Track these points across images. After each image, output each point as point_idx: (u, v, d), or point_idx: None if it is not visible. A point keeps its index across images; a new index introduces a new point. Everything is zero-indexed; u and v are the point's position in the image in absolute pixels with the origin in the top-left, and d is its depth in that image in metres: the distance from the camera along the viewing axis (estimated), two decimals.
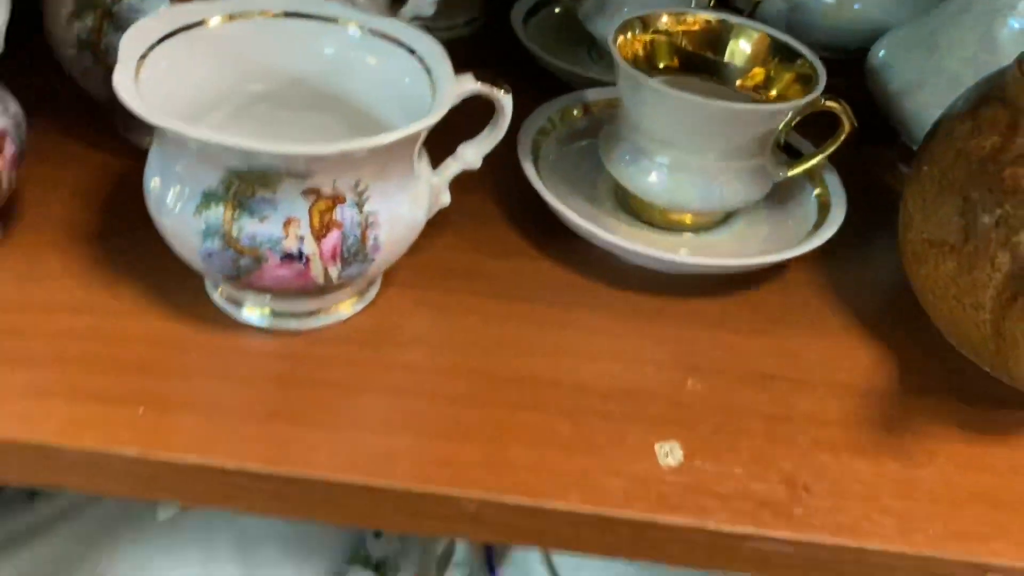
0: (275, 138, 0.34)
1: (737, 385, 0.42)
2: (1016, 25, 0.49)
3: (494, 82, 0.39)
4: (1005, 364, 0.38)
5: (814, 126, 0.49)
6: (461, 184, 0.43)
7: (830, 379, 0.42)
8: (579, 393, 0.40)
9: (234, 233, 0.36)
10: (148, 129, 0.40)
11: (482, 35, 0.61)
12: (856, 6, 0.62)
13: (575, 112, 0.53)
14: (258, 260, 0.36)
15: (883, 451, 0.39)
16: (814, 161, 0.48)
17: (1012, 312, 0.37)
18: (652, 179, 0.46)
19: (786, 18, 0.63)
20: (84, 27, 0.45)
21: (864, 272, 0.49)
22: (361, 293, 0.43)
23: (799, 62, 0.47)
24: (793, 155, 0.51)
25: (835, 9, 0.62)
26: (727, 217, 0.49)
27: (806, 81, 0.46)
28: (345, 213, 0.36)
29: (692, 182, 0.45)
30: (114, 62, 0.36)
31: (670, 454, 0.38)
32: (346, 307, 0.42)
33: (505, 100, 0.40)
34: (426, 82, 0.40)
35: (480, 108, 0.41)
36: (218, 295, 0.42)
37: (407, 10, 0.49)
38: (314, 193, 0.35)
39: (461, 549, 0.68)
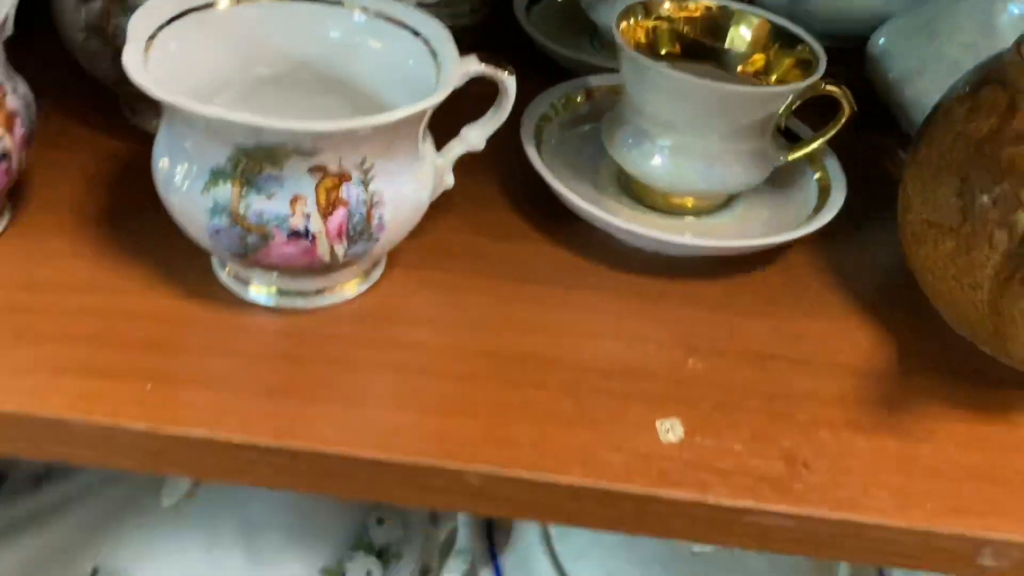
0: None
1: (737, 365, 0.42)
2: (1015, 11, 0.49)
3: (498, 64, 0.40)
4: (1003, 343, 0.39)
5: (814, 113, 0.50)
6: (465, 169, 0.43)
7: (830, 359, 0.43)
8: (581, 371, 0.41)
9: (241, 210, 0.36)
10: (155, 113, 0.41)
11: (486, 24, 0.62)
12: None
13: (578, 98, 0.54)
14: (265, 237, 0.37)
15: (882, 429, 0.40)
16: (814, 145, 0.48)
17: (1009, 291, 0.37)
18: (654, 162, 0.46)
19: (787, 6, 0.63)
20: (92, 11, 0.45)
21: (864, 255, 0.50)
22: (366, 273, 0.43)
23: (799, 47, 0.47)
24: (793, 140, 0.51)
25: None
26: (728, 201, 0.50)
27: (806, 66, 0.46)
28: (351, 191, 0.37)
29: (694, 165, 0.46)
30: (122, 45, 0.37)
31: (671, 430, 0.39)
32: (351, 287, 0.43)
33: (509, 81, 0.40)
34: (431, 65, 0.40)
35: (483, 96, 0.42)
36: (225, 274, 0.42)
37: None
38: (320, 171, 0.36)
39: (463, 537, 0.68)
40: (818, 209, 0.48)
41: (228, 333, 0.40)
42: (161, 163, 0.38)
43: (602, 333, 0.43)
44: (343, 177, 0.37)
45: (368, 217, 0.38)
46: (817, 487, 0.37)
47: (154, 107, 0.41)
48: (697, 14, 0.49)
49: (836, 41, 0.59)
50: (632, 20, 0.48)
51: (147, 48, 0.38)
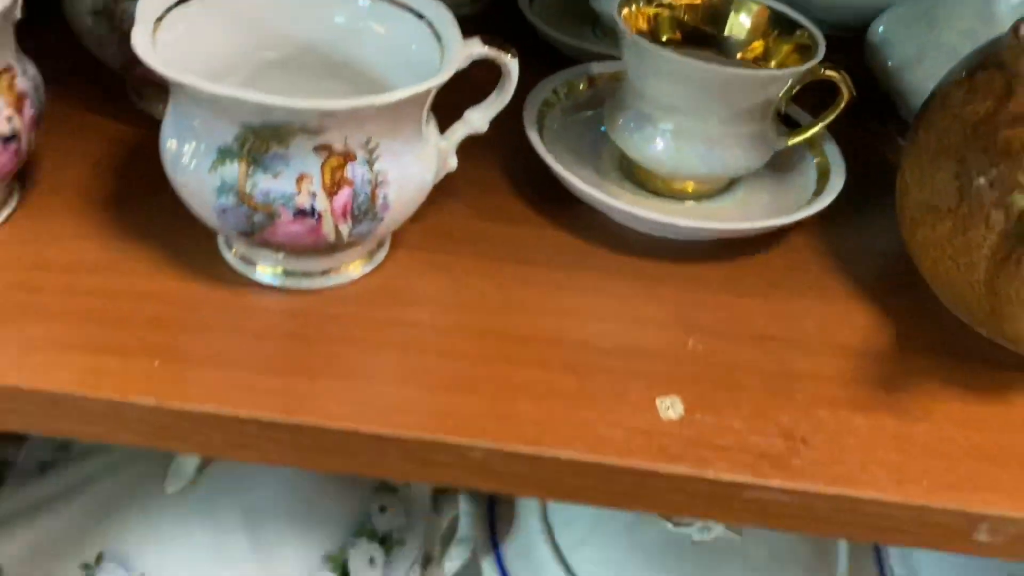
0: None
1: (737, 345, 0.43)
2: None
3: (500, 46, 0.40)
4: (999, 323, 0.39)
5: (813, 100, 0.50)
6: (468, 155, 0.44)
7: (829, 340, 0.44)
8: (582, 351, 0.41)
9: (248, 189, 0.37)
10: (161, 98, 0.41)
11: (488, 13, 0.63)
12: None
13: (580, 86, 0.54)
14: (271, 216, 0.37)
15: (880, 407, 0.40)
16: (814, 129, 0.49)
17: (1005, 271, 0.38)
18: (656, 146, 0.47)
19: None
20: None
21: (863, 240, 0.50)
22: (370, 255, 0.44)
23: (798, 33, 0.48)
24: (794, 127, 0.51)
25: None
26: (729, 186, 0.50)
27: (805, 51, 0.47)
28: (356, 171, 0.37)
29: (695, 148, 0.46)
30: (130, 29, 0.37)
31: (671, 408, 0.39)
32: (356, 268, 0.43)
33: (511, 64, 0.41)
34: (435, 48, 0.41)
35: (486, 85, 0.43)
36: (232, 256, 0.43)
37: None
38: (326, 150, 0.37)
39: (465, 525, 0.68)
40: (818, 193, 0.49)
41: (235, 312, 0.41)
42: (169, 144, 0.39)
43: (603, 314, 0.43)
44: (348, 156, 0.37)
45: (373, 197, 0.38)
46: (815, 463, 0.38)
47: (160, 92, 0.42)
48: (698, 1, 0.50)
49: (835, 30, 0.60)
50: (633, 7, 0.48)
51: (155, 30, 0.38)
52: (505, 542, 0.68)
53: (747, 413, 0.39)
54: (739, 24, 0.50)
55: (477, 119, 0.43)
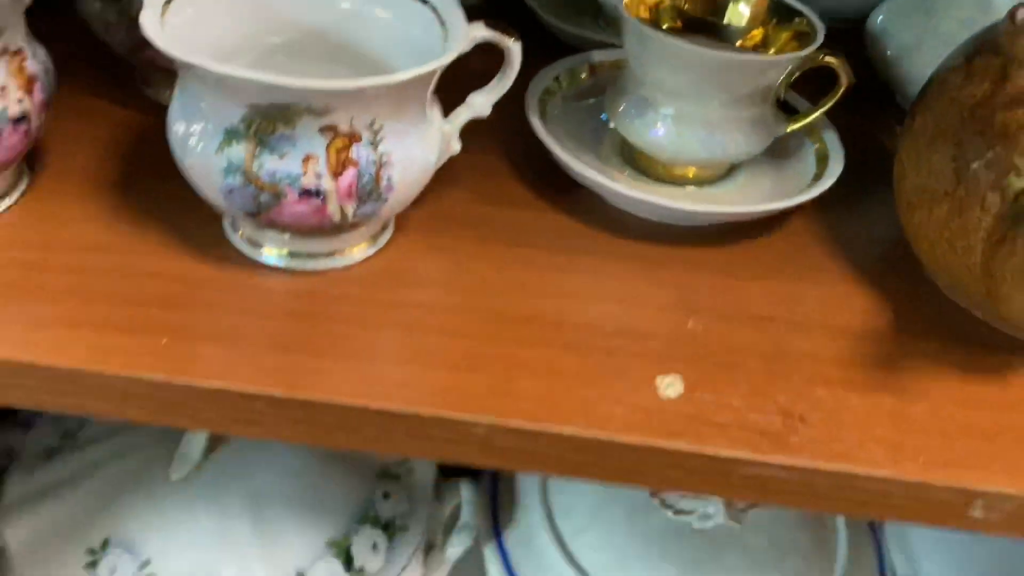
0: None
1: (737, 326, 0.43)
2: None
3: (503, 31, 0.41)
4: (994, 304, 0.40)
5: (813, 90, 0.51)
6: (471, 142, 0.45)
7: (827, 322, 0.44)
8: (583, 331, 0.42)
9: (255, 169, 0.37)
10: (168, 84, 0.42)
11: (490, 2, 0.63)
12: None
13: (582, 74, 0.55)
14: (277, 196, 0.38)
15: (877, 387, 0.41)
16: (814, 115, 0.49)
17: (1001, 251, 0.38)
18: (657, 131, 0.47)
19: None
20: None
21: (861, 226, 0.51)
22: (374, 237, 0.44)
23: (797, 20, 0.48)
24: (793, 115, 0.52)
25: None
26: (729, 172, 0.51)
27: (804, 39, 0.47)
28: (361, 152, 0.38)
29: (695, 133, 0.47)
30: (138, 14, 0.38)
31: (671, 386, 0.40)
32: (360, 250, 0.44)
33: (514, 48, 0.41)
34: (438, 33, 0.41)
35: (488, 73, 0.43)
36: (238, 238, 0.43)
37: None
38: (331, 131, 0.37)
39: (467, 513, 0.69)
40: (817, 179, 0.49)
41: (241, 292, 0.41)
42: (176, 127, 0.40)
43: (604, 296, 0.44)
44: (353, 137, 0.38)
45: (377, 178, 0.39)
46: (813, 440, 0.38)
47: (167, 78, 0.42)
48: None
49: (835, 21, 0.60)
50: None
51: (163, 14, 0.39)
52: (507, 530, 0.68)
53: (746, 392, 0.40)
54: (738, 13, 0.50)
55: (480, 103, 0.43)
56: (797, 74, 0.47)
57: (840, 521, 0.69)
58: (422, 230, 0.46)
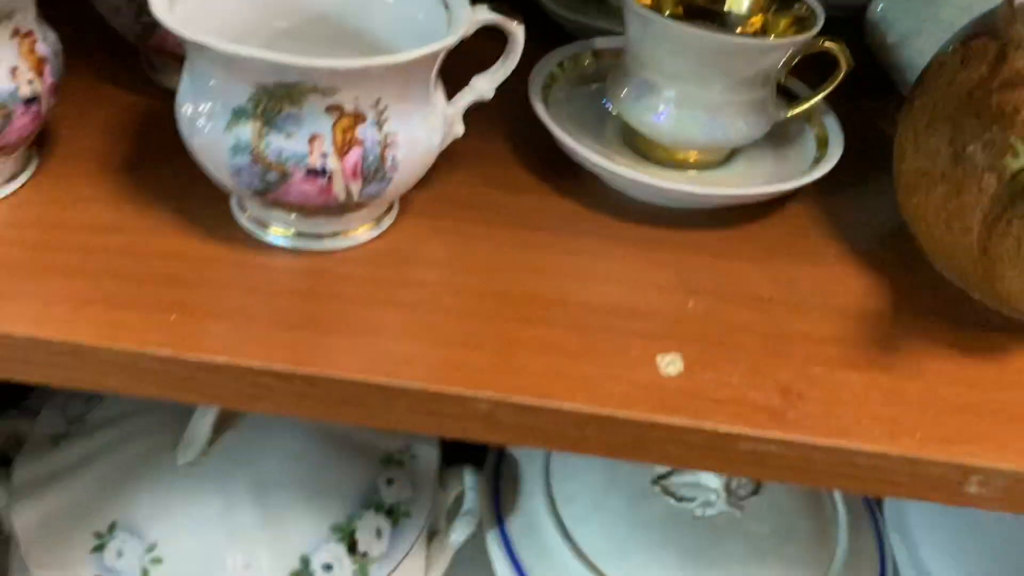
0: None
1: (736, 307, 0.44)
2: None
3: (507, 13, 0.42)
4: (991, 284, 0.41)
5: (813, 78, 0.51)
6: (475, 127, 0.45)
7: (825, 303, 0.45)
8: (585, 310, 0.42)
9: (262, 148, 0.38)
10: (175, 69, 0.43)
11: None
12: None
13: (585, 60, 0.56)
14: (284, 175, 0.39)
15: (874, 366, 0.42)
16: (814, 100, 0.50)
17: (996, 231, 0.39)
18: (658, 115, 0.48)
19: None
20: None
21: (860, 210, 0.51)
22: (379, 219, 0.45)
23: (796, 6, 0.49)
24: (793, 101, 0.53)
25: None
26: (729, 158, 0.51)
27: (803, 25, 0.48)
28: (366, 132, 0.39)
29: (696, 117, 0.47)
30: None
31: (671, 364, 0.40)
32: (365, 230, 0.44)
33: (517, 30, 0.42)
34: (442, 17, 0.42)
35: (491, 60, 0.44)
36: (245, 218, 0.44)
37: None
38: (337, 110, 0.38)
39: (470, 500, 0.69)
40: (816, 163, 0.50)
41: (248, 271, 0.42)
42: (184, 108, 0.40)
43: (606, 277, 0.45)
44: (358, 117, 0.38)
45: (382, 157, 0.39)
46: (811, 417, 0.39)
47: (174, 63, 0.43)
48: None
49: (834, 10, 0.61)
50: None
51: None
52: (509, 517, 0.69)
53: (745, 370, 0.40)
54: (738, 0, 0.51)
55: (483, 85, 0.44)
56: (797, 59, 0.48)
57: (840, 508, 0.69)
58: (426, 212, 0.47)
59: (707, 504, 0.67)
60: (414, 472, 0.69)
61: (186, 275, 0.41)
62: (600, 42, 0.56)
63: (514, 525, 0.68)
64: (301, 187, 0.39)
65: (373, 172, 0.40)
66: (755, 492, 0.68)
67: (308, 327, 0.40)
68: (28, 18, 0.41)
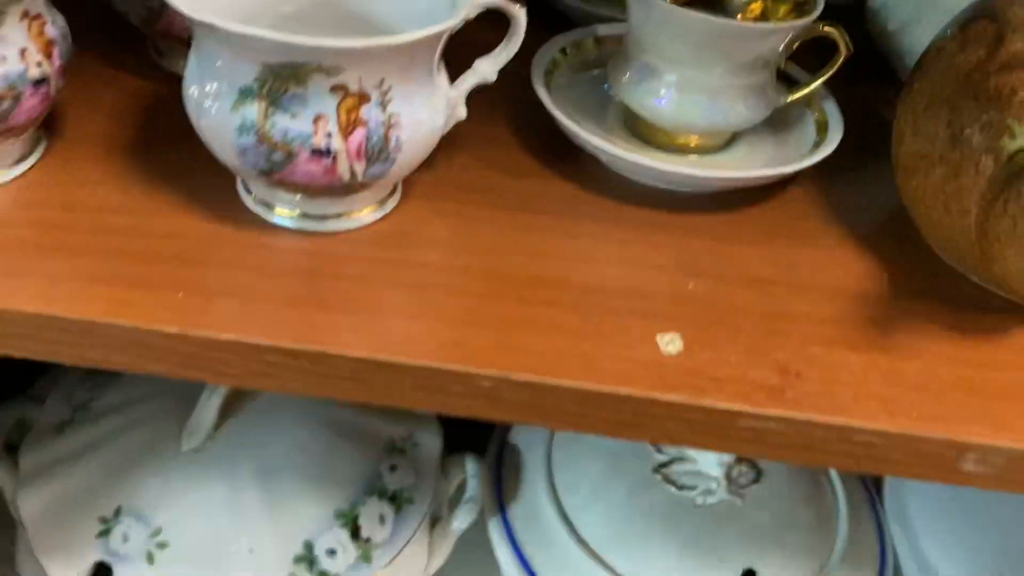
0: None
1: (736, 288, 0.44)
2: None
3: None
4: (989, 265, 0.41)
5: (813, 64, 0.52)
6: (477, 111, 0.46)
7: (824, 285, 0.45)
8: (586, 291, 0.43)
9: (268, 128, 0.39)
10: (181, 54, 0.43)
11: None
12: None
13: (587, 46, 0.56)
14: (289, 155, 0.39)
15: (872, 347, 0.42)
16: (814, 85, 0.51)
17: (994, 212, 0.39)
18: (659, 99, 0.48)
19: None
20: None
21: (860, 194, 0.52)
22: (382, 201, 0.45)
23: None
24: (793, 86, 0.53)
25: None
26: (730, 142, 0.52)
27: (802, 10, 0.48)
28: (370, 112, 0.39)
29: (697, 101, 0.48)
30: None
31: (671, 343, 0.41)
32: (369, 212, 0.45)
33: (520, 13, 0.42)
34: (446, 1, 0.42)
35: (495, 44, 0.45)
36: (251, 199, 0.45)
37: None
38: (342, 90, 0.38)
39: (472, 487, 0.70)
40: (816, 147, 0.50)
41: (254, 251, 0.43)
42: (191, 90, 0.41)
43: (607, 259, 0.45)
44: (363, 98, 0.39)
45: (386, 138, 0.40)
46: (809, 395, 0.39)
47: (180, 48, 0.43)
48: None
49: None
50: None
51: None
52: (511, 504, 0.69)
53: (744, 349, 0.41)
54: None
55: (486, 68, 0.44)
56: (797, 44, 0.48)
57: (841, 497, 0.70)
58: (429, 195, 0.47)
59: (708, 492, 0.67)
60: (417, 459, 0.69)
61: (193, 255, 0.42)
62: (603, 29, 0.56)
63: (516, 513, 0.69)
64: (306, 167, 0.40)
65: (377, 152, 0.40)
66: (756, 480, 0.68)
67: (313, 306, 0.40)
68: (37, 1, 0.42)
